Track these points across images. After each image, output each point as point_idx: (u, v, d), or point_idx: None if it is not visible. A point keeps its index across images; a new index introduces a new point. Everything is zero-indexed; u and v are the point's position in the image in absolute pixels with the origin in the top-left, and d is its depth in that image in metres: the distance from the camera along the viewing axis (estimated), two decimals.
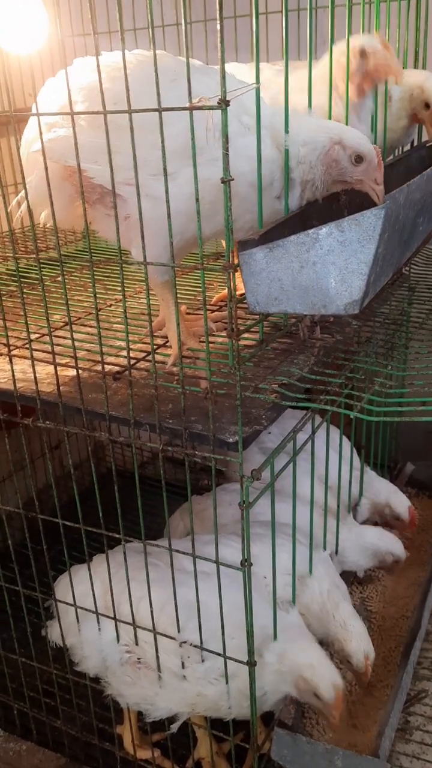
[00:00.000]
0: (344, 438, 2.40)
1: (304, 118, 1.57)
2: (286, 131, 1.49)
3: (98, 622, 1.85)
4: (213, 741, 1.99)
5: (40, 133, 1.37)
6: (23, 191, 1.48)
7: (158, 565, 1.78)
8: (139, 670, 1.81)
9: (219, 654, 1.61)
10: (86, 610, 1.84)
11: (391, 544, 2.18)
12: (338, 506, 2.13)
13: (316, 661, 1.68)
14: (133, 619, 1.75)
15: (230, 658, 1.59)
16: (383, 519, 2.39)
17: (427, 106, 2.08)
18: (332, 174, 1.54)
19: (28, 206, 1.50)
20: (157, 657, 1.73)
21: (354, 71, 1.83)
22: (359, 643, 1.84)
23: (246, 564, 1.44)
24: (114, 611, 1.79)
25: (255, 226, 1.53)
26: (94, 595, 1.79)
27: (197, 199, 1.19)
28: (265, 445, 2.41)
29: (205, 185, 1.29)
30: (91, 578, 1.78)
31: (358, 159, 1.51)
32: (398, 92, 2.11)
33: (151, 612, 1.67)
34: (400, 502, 2.34)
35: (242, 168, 1.42)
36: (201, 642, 1.64)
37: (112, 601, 1.76)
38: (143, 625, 1.73)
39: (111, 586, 1.75)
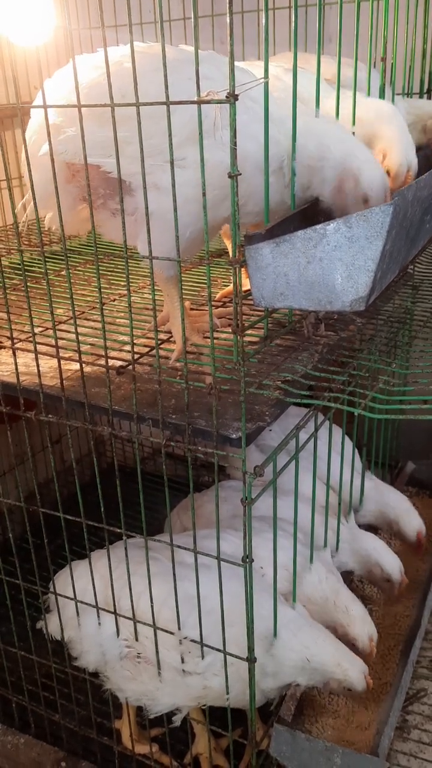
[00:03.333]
0: (346, 437, 2.39)
1: (338, 129, 1.57)
2: (294, 128, 1.48)
3: (98, 617, 1.84)
4: (211, 737, 1.99)
5: (48, 133, 1.35)
6: (29, 193, 1.47)
7: (158, 559, 1.78)
8: (139, 664, 1.81)
9: (219, 650, 1.61)
10: (86, 604, 1.84)
11: (385, 558, 2.09)
12: (339, 504, 2.12)
13: (344, 659, 1.72)
14: (134, 614, 1.74)
15: (231, 654, 1.59)
16: (391, 533, 2.35)
17: None
18: (340, 198, 1.56)
19: (34, 199, 1.50)
20: (157, 653, 1.73)
21: None
22: (362, 627, 1.87)
23: (247, 560, 1.44)
24: (114, 606, 1.78)
25: (262, 210, 1.52)
26: (94, 588, 1.79)
27: (204, 194, 1.19)
28: (264, 443, 2.40)
29: (214, 170, 1.28)
30: (92, 572, 1.78)
31: (365, 200, 1.53)
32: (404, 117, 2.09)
33: (152, 607, 1.67)
34: (409, 523, 2.27)
35: (247, 148, 1.41)
36: (201, 637, 1.64)
37: (113, 595, 1.76)
38: (143, 620, 1.73)
39: (111, 581, 1.74)
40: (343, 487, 2.18)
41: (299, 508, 1.85)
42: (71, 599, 1.86)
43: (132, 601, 1.72)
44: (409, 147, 1.76)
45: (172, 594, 1.63)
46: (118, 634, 1.83)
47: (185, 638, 1.68)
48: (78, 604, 1.86)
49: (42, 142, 1.47)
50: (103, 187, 1.59)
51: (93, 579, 1.78)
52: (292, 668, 1.71)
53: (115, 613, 1.78)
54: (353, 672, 1.72)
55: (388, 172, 1.75)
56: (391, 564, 2.09)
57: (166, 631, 1.69)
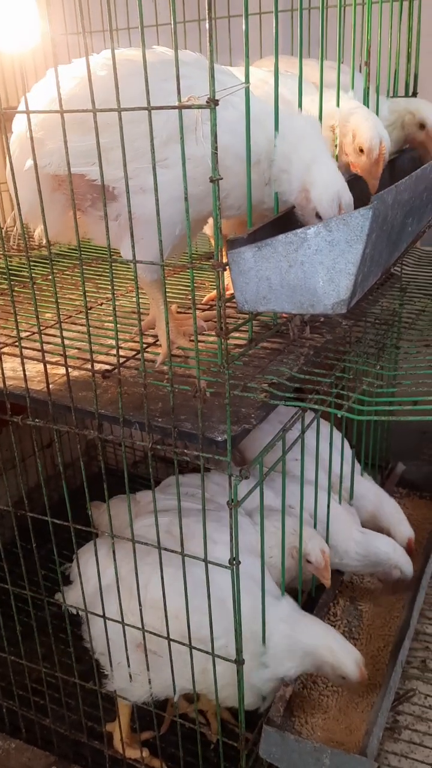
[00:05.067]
0: (338, 432, 2.42)
1: (303, 140, 1.54)
2: (276, 130, 1.49)
3: (105, 625, 1.83)
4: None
5: (32, 146, 1.35)
6: (16, 208, 1.47)
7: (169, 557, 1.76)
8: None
9: (207, 652, 1.61)
10: (95, 614, 1.83)
11: (403, 559, 2.14)
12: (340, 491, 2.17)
13: (336, 644, 1.77)
14: (143, 624, 1.72)
15: (219, 656, 1.59)
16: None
17: (422, 126, 2.08)
18: (302, 209, 1.55)
19: (19, 213, 1.50)
20: (171, 658, 1.72)
21: (344, 151, 1.83)
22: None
23: (234, 562, 1.44)
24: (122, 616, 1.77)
25: (243, 204, 1.53)
26: (102, 598, 1.78)
27: (186, 198, 1.20)
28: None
29: (199, 165, 1.28)
30: (100, 583, 1.77)
31: (317, 215, 1.51)
32: (386, 117, 2.10)
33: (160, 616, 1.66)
34: (401, 532, 2.31)
35: (226, 140, 1.40)
36: (189, 639, 1.63)
37: (120, 605, 1.74)
38: (153, 618, 1.72)
39: (119, 589, 1.73)
40: (341, 484, 2.23)
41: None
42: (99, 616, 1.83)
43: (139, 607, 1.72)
44: (377, 123, 1.77)
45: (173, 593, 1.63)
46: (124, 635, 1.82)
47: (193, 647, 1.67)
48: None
49: (25, 156, 1.47)
50: (90, 192, 1.59)
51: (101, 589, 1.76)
52: (284, 653, 1.74)
53: (122, 622, 1.76)
54: (346, 658, 1.74)
55: (361, 150, 1.76)
56: (409, 567, 2.14)
57: (178, 642, 1.67)
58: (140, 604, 1.69)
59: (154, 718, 1.87)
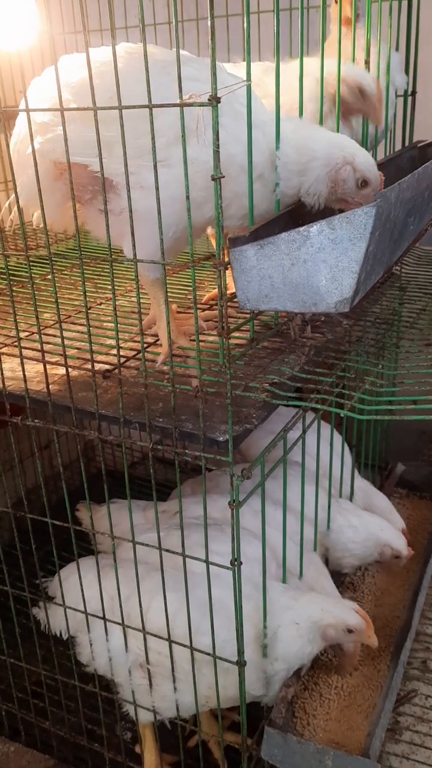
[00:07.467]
0: (337, 433, 2.41)
1: (318, 129, 1.57)
2: (277, 132, 1.48)
3: (106, 630, 1.82)
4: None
5: (31, 135, 1.34)
6: (14, 194, 1.46)
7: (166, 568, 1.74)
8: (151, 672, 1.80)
9: (209, 654, 1.60)
10: (93, 615, 1.82)
11: (391, 536, 2.17)
12: (329, 497, 2.16)
13: (329, 605, 1.77)
14: (123, 619, 1.73)
15: (220, 658, 1.58)
16: None
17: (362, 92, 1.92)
18: (337, 192, 1.54)
19: (18, 204, 1.49)
20: (172, 664, 1.71)
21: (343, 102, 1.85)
22: None
23: (236, 563, 1.44)
24: (104, 614, 1.77)
25: (247, 215, 1.52)
26: (102, 599, 1.76)
27: (188, 197, 1.19)
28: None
29: (200, 170, 1.27)
30: (100, 583, 1.76)
31: (364, 183, 1.51)
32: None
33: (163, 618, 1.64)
34: (394, 522, 2.31)
35: (231, 150, 1.41)
36: (191, 642, 1.62)
37: (120, 608, 1.73)
38: (153, 630, 1.70)
39: (120, 598, 1.71)
40: (336, 483, 2.22)
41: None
42: (82, 612, 1.82)
43: (122, 608, 1.71)
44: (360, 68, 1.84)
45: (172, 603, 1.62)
46: (126, 648, 1.80)
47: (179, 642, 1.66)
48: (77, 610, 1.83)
49: (29, 141, 1.46)
50: (91, 185, 1.58)
51: (101, 589, 1.75)
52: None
53: (123, 624, 1.75)
54: (343, 613, 1.76)
55: (360, 92, 1.82)
56: (400, 543, 2.18)
57: (179, 644, 1.67)
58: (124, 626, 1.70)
59: (154, 722, 1.86)
